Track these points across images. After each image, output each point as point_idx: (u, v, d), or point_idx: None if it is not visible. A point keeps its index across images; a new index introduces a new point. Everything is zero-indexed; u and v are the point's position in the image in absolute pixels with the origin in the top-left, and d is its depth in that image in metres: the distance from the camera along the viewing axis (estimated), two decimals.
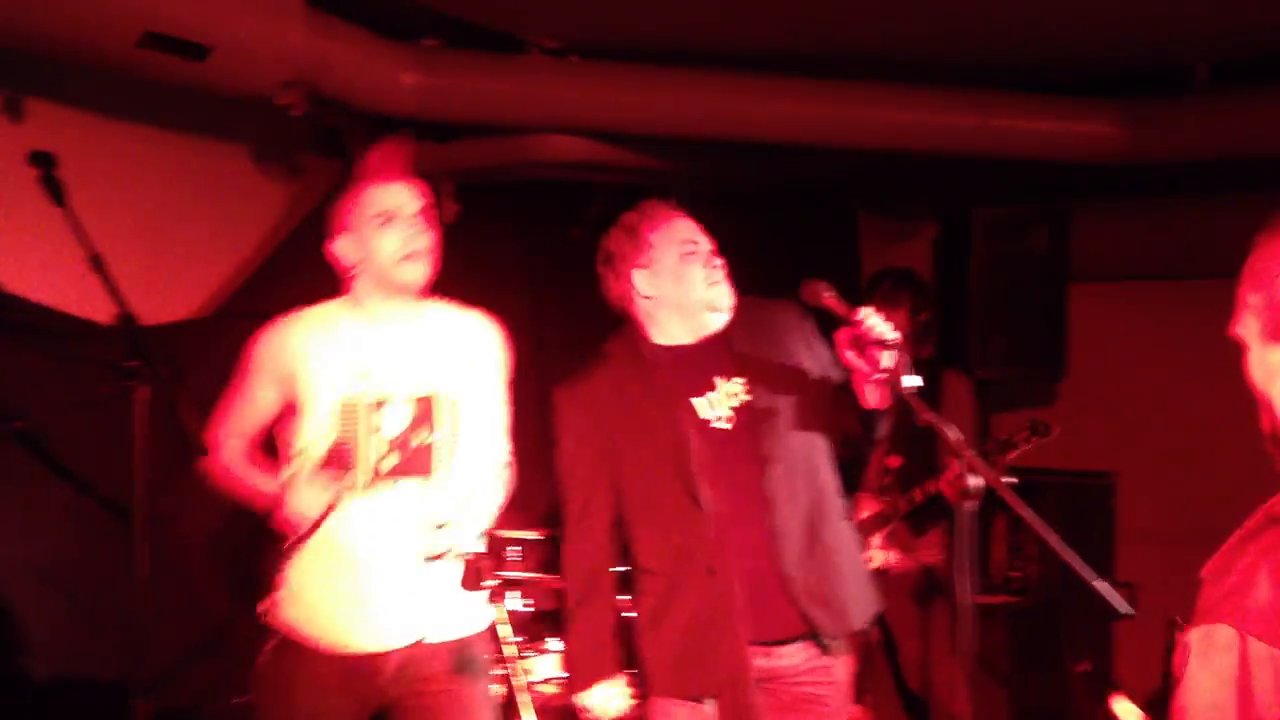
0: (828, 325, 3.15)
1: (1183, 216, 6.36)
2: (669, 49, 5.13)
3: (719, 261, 3.22)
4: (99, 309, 3.47)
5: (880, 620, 4.85)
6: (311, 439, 3.00)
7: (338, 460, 2.93)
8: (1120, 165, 5.64)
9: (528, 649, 3.89)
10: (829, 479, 3.22)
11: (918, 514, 4.82)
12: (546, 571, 4.12)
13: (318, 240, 5.12)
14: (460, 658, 2.96)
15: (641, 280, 3.20)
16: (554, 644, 3.95)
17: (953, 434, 2.71)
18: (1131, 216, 6.49)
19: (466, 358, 3.13)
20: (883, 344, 2.89)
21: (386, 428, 2.99)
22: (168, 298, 4.76)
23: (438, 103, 4.87)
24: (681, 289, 3.18)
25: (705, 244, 3.23)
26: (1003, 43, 5.20)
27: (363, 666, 2.92)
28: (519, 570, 3.94)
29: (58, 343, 4.13)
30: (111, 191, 4.58)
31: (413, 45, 4.84)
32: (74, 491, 4.17)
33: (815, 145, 5.46)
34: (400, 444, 3.00)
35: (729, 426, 3.14)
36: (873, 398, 3.04)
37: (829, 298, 2.99)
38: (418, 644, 2.92)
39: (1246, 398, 1.65)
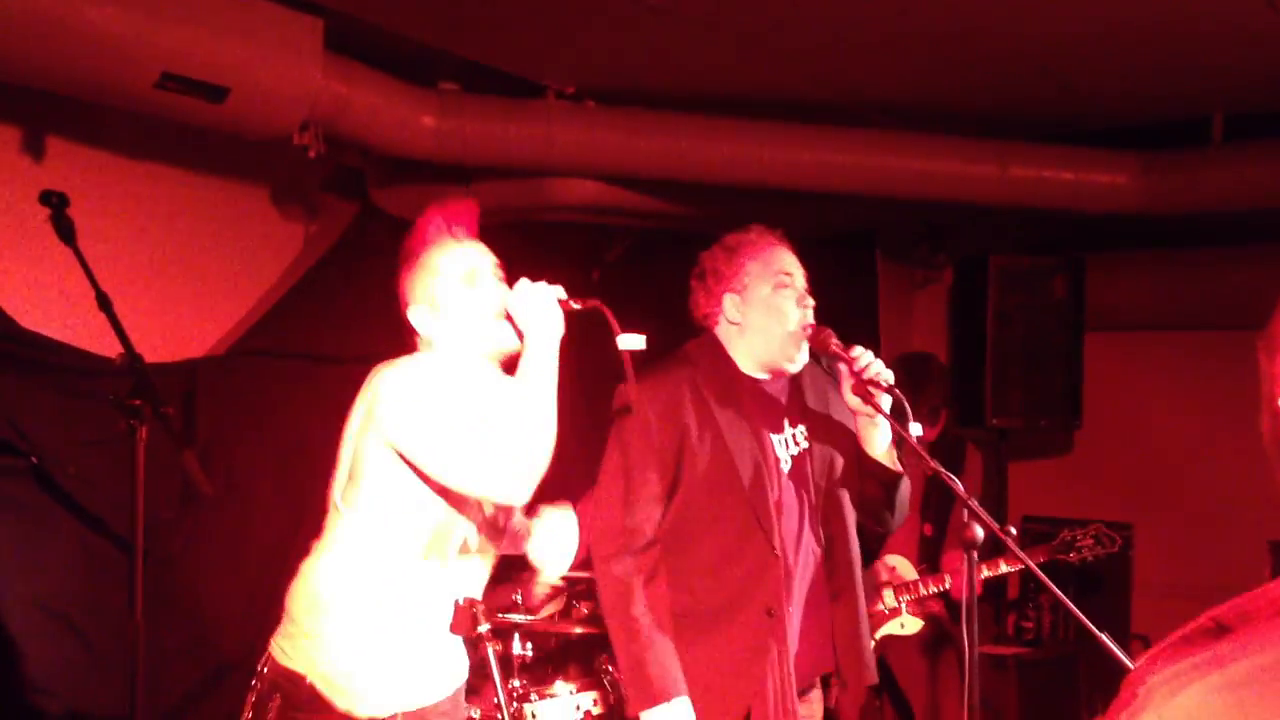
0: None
1: (1199, 267, 6.35)
2: (687, 95, 5.15)
3: (811, 303, 3.14)
4: (114, 346, 3.48)
5: (887, 672, 4.84)
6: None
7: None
8: (1137, 216, 5.63)
9: (532, 693, 3.85)
10: (855, 535, 3.24)
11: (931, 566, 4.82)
12: (549, 614, 4.10)
13: (334, 279, 5.18)
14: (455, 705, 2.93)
15: (731, 305, 3.16)
16: (560, 687, 3.92)
17: (959, 485, 2.71)
18: (1149, 266, 6.49)
19: None
20: (877, 384, 2.92)
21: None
22: (184, 335, 4.78)
23: (456, 146, 4.89)
24: (770, 320, 3.12)
25: (801, 279, 3.17)
26: (1022, 93, 5.21)
27: None
28: (523, 614, 3.91)
29: (72, 379, 4.14)
30: (129, 229, 4.61)
31: (431, 89, 4.87)
32: (85, 528, 4.17)
33: (833, 192, 5.47)
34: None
35: (788, 470, 3.13)
36: (878, 447, 3.05)
37: (835, 344, 3.01)
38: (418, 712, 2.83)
39: (1263, 450, 1.61)
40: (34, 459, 4.06)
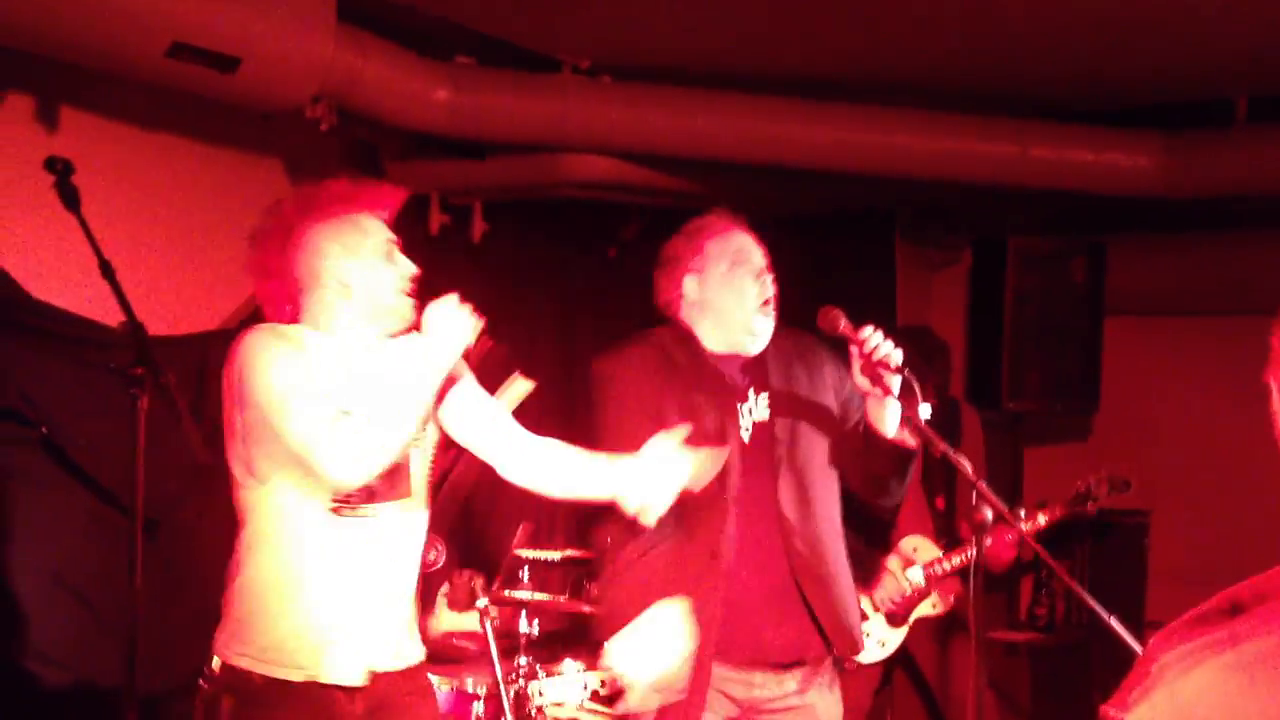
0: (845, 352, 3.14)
1: (1221, 251, 6.28)
2: (704, 71, 5.11)
3: (770, 278, 3.18)
4: (121, 317, 3.46)
5: (906, 654, 4.82)
6: None
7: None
8: (1159, 198, 5.57)
9: (540, 670, 3.83)
10: (835, 512, 3.20)
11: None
12: (558, 593, 4.08)
13: None
14: (417, 684, 2.85)
15: (690, 285, 3.19)
16: (568, 665, 3.90)
17: (967, 466, 2.68)
18: (1170, 250, 6.42)
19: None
20: (886, 365, 2.90)
21: None
22: (196, 308, 4.77)
23: (469, 120, 4.86)
24: (727, 298, 3.15)
25: (759, 260, 3.20)
26: (1043, 72, 5.16)
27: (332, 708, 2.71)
28: (531, 591, 3.89)
29: (81, 350, 4.12)
30: (143, 202, 4.60)
31: (446, 62, 4.84)
32: (95, 499, 4.16)
33: (850, 172, 5.42)
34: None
35: (747, 440, 3.12)
36: (889, 427, 3.01)
37: (844, 325, 2.98)
38: (383, 676, 2.74)
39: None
40: (43, 429, 4.06)
